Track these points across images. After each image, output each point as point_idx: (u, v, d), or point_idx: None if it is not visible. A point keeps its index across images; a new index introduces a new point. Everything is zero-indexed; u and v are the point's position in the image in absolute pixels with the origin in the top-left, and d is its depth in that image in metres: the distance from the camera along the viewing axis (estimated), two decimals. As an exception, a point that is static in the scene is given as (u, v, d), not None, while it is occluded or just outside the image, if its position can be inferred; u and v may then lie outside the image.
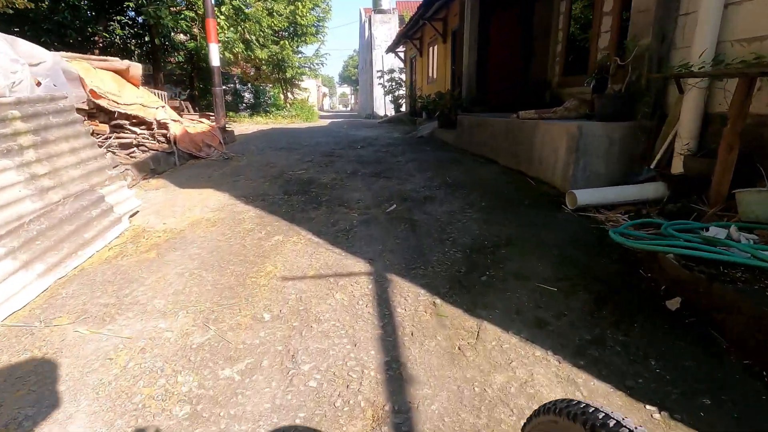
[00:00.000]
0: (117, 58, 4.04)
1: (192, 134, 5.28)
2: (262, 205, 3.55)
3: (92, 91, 3.45)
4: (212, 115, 7.80)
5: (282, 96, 20.09)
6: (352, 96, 76.88)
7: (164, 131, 4.61)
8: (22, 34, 12.52)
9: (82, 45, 13.18)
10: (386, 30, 23.28)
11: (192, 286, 2.23)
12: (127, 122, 3.98)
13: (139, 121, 4.19)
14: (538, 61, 8.09)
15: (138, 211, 3.31)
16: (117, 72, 4.03)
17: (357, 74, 50.86)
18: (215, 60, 6.87)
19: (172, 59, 22.30)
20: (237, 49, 10.43)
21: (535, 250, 2.51)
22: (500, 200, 3.46)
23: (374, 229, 2.98)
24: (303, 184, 4.22)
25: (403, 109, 18.59)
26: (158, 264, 2.49)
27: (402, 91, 18.97)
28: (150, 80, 14.65)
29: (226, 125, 7.68)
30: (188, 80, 20.89)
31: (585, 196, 2.95)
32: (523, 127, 4.14)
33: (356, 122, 17.16)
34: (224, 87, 23.11)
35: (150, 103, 4.38)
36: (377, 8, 23.44)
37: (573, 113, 4.15)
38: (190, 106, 11.64)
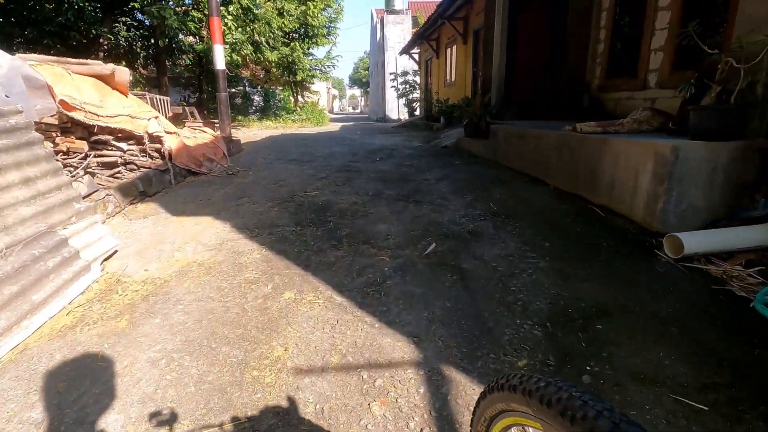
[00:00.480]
0: (99, 62, 3.41)
1: (191, 147, 4.65)
2: (270, 242, 2.88)
3: (63, 102, 2.82)
4: (218, 123, 7.19)
5: (292, 99, 19.53)
6: (362, 98, 76.38)
7: (158, 145, 3.98)
8: (22, 36, 12.11)
9: (86, 47, 12.72)
10: (399, 31, 22.62)
11: (168, 386, 1.56)
12: (111, 137, 3.36)
13: (127, 135, 3.56)
14: (572, 61, 7.34)
15: (116, 251, 2.66)
16: (99, 78, 3.41)
17: (367, 76, 50.30)
18: (220, 63, 6.26)
19: (179, 62, 21.92)
20: (245, 51, 9.85)
21: (647, 328, 1.80)
22: (568, 240, 2.75)
23: (413, 281, 2.29)
24: (318, 210, 3.55)
25: (418, 113, 17.90)
26: (127, 341, 1.83)
27: (416, 94, 18.27)
28: (155, 84, 14.19)
29: (232, 134, 7.07)
30: (197, 83, 20.46)
31: (695, 241, 2.23)
32: (584, 143, 3.42)
33: (369, 127, 16.51)
34: (233, 90, 22.65)
35: (140, 114, 3.75)
36: (390, 9, 22.79)
37: (644, 126, 3.42)
38: (195, 112, 11.10)
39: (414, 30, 23.26)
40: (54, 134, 2.89)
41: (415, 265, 2.49)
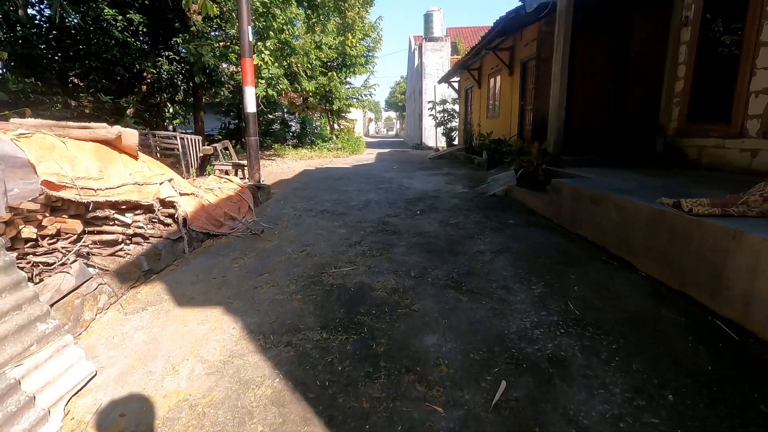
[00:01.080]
0: (104, 124, 2.98)
1: (211, 206, 4.16)
2: (287, 361, 2.24)
3: (47, 183, 2.35)
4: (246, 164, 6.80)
5: (328, 127, 19.41)
6: (398, 121, 76.78)
7: (171, 210, 3.49)
8: (73, 70, 12.51)
9: (129, 82, 13.02)
10: (437, 58, 22.28)
11: None
12: (113, 211, 2.88)
13: (133, 206, 3.08)
14: (642, 100, 6.48)
15: (93, 376, 2.10)
16: (104, 142, 2.97)
17: (404, 101, 50.40)
18: (251, 105, 5.87)
19: (220, 92, 22.45)
20: (281, 86, 9.59)
21: None
22: (699, 386, 1.93)
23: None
24: (349, 301, 2.90)
25: (456, 142, 17.24)
26: None
27: (455, 123, 17.66)
28: (190, 118, 14.27)
29: (261, 179, 6.64)
30: (236, 111, 20.82)
31: None
32: (697, 229, 2.60)
33: (406, 157, 15.98)
34: (271, 116, 22.93)
35: (151, 179, 3.28)
36: (428, 36, 22.54)
37: (782, 208, 2.57)
38: (230, 148, 10.91)
39: (453, 57, 22.87)
40: (40, 216, 2.42)
41: (482, 426, 1.76)
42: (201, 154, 7.20)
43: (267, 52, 9.22)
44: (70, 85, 12.34)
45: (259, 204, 5.80)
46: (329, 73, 16.57)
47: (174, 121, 13.61)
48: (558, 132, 5.81)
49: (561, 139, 5.85)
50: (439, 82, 17.67)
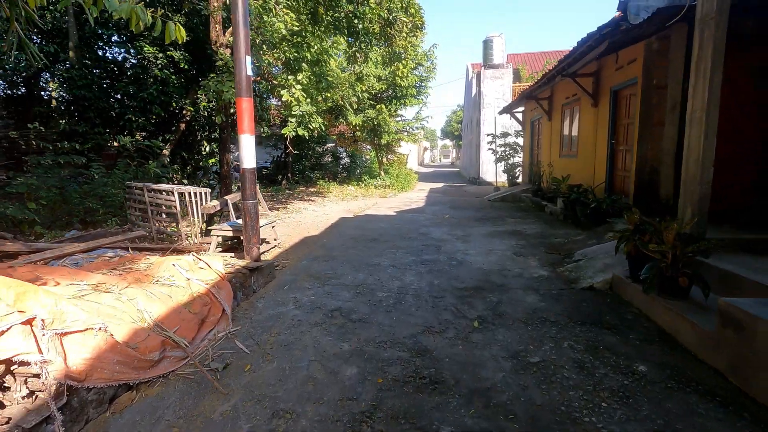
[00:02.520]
0: None
1: (136, 336, 2.58)
2: None
3: None
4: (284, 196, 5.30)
5: (377, 161, 18.07)
6: (453, 150, 74.90)
7: (27, 371, 1.95)
8: (112, 111, 12.17)
9: (167, 121, 12.48)
10: (497, 86, 20.40)
11: None
12: None
13: None
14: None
15: None
16: None
17: (460, 130, 48.65)
18: (247, 159, 4.38)
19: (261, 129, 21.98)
20: (314, 124, 8.23)
21: None
22: None
23: None
24: None
25: (520, 180, 15.05)
26: None
27: (518, 159, 15.52)
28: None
29: (261, 255, 5.09)
30: (284, 143, 20.19)
31: None
32: None
33: (460, 197, 14.03)
34: (321, 149, 22.14)
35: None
36: (488, 63, 20.80)
37: None
38: (260, 198, 9.67)
39: (515, 85, 20.87)
40: None
41: None
42: (202, 214, 5.87)
43: (299, 87, 7.95)
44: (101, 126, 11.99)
45: (250, 295, 4.20)
46: (378, 106, 15.29)
47: (210, 160, 12.83)
48: (702, 201, 3.69)
49: (705, 212, 3.71)
50: (501, 112, 15.74)
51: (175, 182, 11.95)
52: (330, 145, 22.66)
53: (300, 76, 8.03)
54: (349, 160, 21.35)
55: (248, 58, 4.27)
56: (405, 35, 11.39)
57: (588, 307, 3.79)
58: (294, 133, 8.06)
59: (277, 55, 8.19)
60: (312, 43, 8.10)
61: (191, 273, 3.72)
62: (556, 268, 4.98)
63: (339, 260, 5.60)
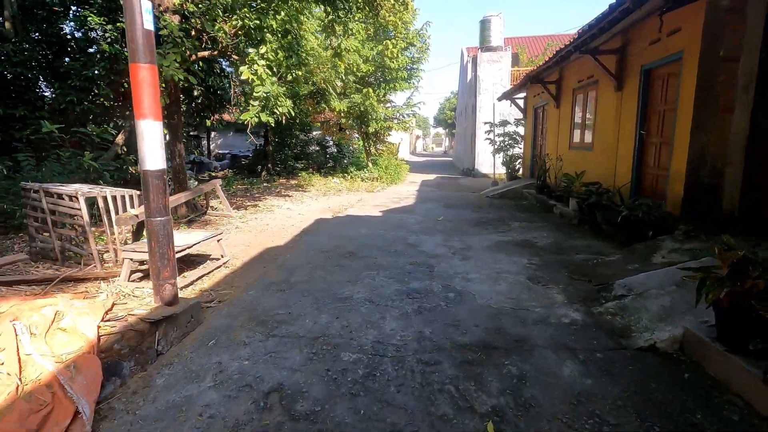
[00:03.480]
0: None
1: None
2: None
3: None
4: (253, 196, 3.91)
5: (365, 152, 16.60)
6: (446, 138, 73.33)
7: None
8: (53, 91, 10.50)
9: (121, 105, 10.86)
10: (495, 71, 18.93)
11: None
12: None
13: None
14: None
15: None
16: None
17: (453, 117, 47.12)
18: (150, 158, 2.95)
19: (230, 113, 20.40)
20: (281, 109, 6.76)
21: None
22: None
23: None
24: None
25: (521, 173, 13.72)
26: None
27: (518, 149, 14.18)
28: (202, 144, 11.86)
29: (176, 297, 3.72)
30: (264, 132, 18.61)
31: None
32: None
33: (455, 192, 12.66)
34: (306, 136, 20.53)
35: None
36: (485, 45, 19.28)
37: None
38: (219, 193, 8.17)
39: (514, 69, 19.42)
40: None
41: None
42: (119, 224, 4.42)
43: (262, 63, 6.46)
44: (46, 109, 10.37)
45: (151, 362, 2.82)
46: (364, 90, 13.77)
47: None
48: None
49: None
50: (500, 98, 14.33)
51: (128, 178, 10.42)
52: (316, 133, 21.08)
53: (263, 49, 6.54)
54: (336, 150, 19.83)
55: (146, 4, 2.81)
56: (393, 5, 9.87)
57: (661, 392, 2.46)
58: (257, 119, 6.59)
59: (235, 22, 6.66)
60: (279, 9, 6.59)
61: (40, 341, 2.33)
62: (591, 306, 3.65)
63: (299, 290, 4.21)
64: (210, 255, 5.39)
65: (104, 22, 9.66)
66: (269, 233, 6.92)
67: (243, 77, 6.56)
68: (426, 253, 5.54)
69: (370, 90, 13.62)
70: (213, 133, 31.80)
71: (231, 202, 10.24)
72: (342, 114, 14.49)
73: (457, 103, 37.09)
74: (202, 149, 29.17)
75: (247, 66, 6.66)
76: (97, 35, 10.14)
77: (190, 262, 5.11)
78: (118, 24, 9.65)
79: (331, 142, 20.52)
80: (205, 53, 7.31)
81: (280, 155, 19.44)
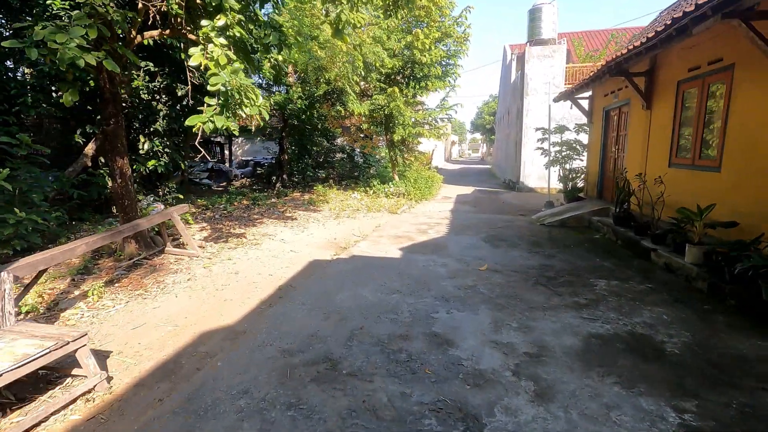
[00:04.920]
0: None
1: None
2: None
3: None
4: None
5: (391, 162, 14.25)
6: (484, 144, 69.74)
7: None
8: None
9: (84, 109, 9.05)
10: (546, 68, 16.14)
11: None
12: None
13: None
14: None
15: None
16: None
17: (492, 122, 44.02)
18: None
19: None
20: (250, 109, 4.51)
21: None
22: None
23: None
24: None
25: (584, 193, 10.92)
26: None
27: (580, 162, 11.41)
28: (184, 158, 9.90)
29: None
30: (279, 138, 16.71)
31: None
32: None
33: (498, 215, 10.06)
34: (331, 143, 18.40)
35: None
36: (534, 38, 16.54)
37: None
38: (181, 231, 6.06)
39: (569, 66, 16.56)
40: None
41: None
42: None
43: (220, 42, 4.28)
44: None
45: None
46: (389, 89, 11.45)
47: (149, 162, 9.32)
48: None
49: None
50: (557, 99, 11.60)
51: (104, 196, 8.58)
52: (340, 139, 18.98)
53: (222, 21, 4.35)
54: (362, 160, 17.62)
55: None
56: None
57: None
58: (211, 125, 4.40)
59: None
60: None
61: None
62: None
63: None
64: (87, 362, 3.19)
65: (68, 5, 7.89)
66: (228, 294, 4.68)
67: (193, 63, 4.39)
68: (463, 366, 3.08)
69: (396, 89, 11.27)
70: (239, 139, 30.59)
71: (216, 228, 8.17)
72: (363, 118, 12.26)
73: (497, 107, 34.14)
74: (217, 155, 27.84)
75: (199, 47, 4.49)
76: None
77: (39, 379, 2.94)
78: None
79: (358, 151, 18.34)
80: (154, 33, 5.22)
81: (299, 164, 17.50)
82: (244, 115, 4.59)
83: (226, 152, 29.26)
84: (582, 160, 11.41)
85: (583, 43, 19.11)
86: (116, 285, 4.86)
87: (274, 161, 20.55)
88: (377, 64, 11.09)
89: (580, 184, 10.97)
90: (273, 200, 12.45)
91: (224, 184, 21.43)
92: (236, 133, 4.75)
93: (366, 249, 6.80)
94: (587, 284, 4.93)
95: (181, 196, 11.84)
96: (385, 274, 5.37)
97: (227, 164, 26.20)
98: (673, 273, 5.26)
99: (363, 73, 10.59)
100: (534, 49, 16.26)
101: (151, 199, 8.31)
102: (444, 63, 12.62)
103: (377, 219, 9.84)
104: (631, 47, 6.36)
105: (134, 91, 8.53)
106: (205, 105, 4.64)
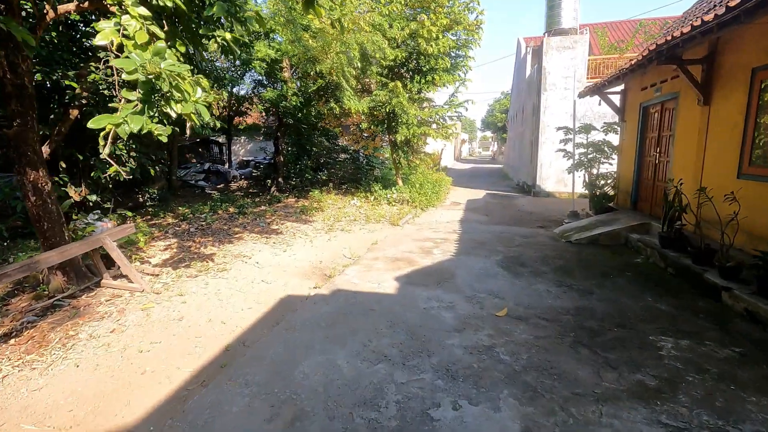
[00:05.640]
0: None
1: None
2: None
3: None
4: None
5: (394, 165, 12.93)
6: (495, 142, 67.83)
7: None
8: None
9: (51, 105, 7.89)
10: (567, 60, 14.66)
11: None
12: None
13: None
14: None
15: None
16: None
17: (504, 120, 42.38)
18: None
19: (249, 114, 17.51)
20: (183, 106, 3.25)
21: None
22: None
23: None
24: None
25: (615, 201, 9.49)
26: None
27: (609, 166, 10.00)
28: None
29: None
30: (274, 138, 15.50)
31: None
32: None
33: (519, 238, 8.70)
34: (332, 143, 17.11)
35: None
36: (554, 28, 15.06)
37: None
38: (118, 260, 4.85)
39: (591, 58, 15.08)
40: None
41: None
42: None
43: (136, 12, 3.03)
44: None
45: None
46: (391, 84, 10.12)
47: (111, 170, 8.13)
48: None
49: None
50: (582, 95, 10.16)
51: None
52: (341, 140, 17.69)
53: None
54: (365, 161, 16.30)
55: None
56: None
57: None
58: (128, 128, 3.15)
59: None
60: None
61: None
62: None
63: None
64: None
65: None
66: (153, 360, 3.43)
67: (100, 41, 3.13)
68: None
69: (399, 84, 9.93)
70: (242, 138, 29.47)
71: (185, 246, 6.96)
72: (363, 117, 10.97)
73: (509, 104, 32.56)
74: (215, 155, 26.76)
75: (113, 20, 3.24)
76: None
77: None
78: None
79: (361, 152, 17.03)
80: (70, 6, 3.98)
81: (297, 166, 16.27)
82: (173, 114, 3.32)
83: (231, 151, 28.15)
84: (611, 164, 9.97)
85: (608, 33, 17.52)
86: (11, 342, 3.65)
87: (266, 164, 19.40)
88: (377, 56, 9.78)
89: (610, 192, 9.53)
90: (263, 208, 11.24)
91: (221, 186, 20.34)
92: (164, 138, 3.47)
93: (355, 278, 5.51)
94: (647, 345, 3.58)
95: (148, 210, 10.70)
96: (372, 323, 4.07)
97: (227, 165, 25.14)
98: (760, 324, 3.88)
99: (359, 64, 9.27)
100: (553, 40, 14.79)
101: (95, 217, 7.10)
102: (453, 55, 11.25)
103: (375, 233, 8.55)
104: (685, 30, 4.95)
105: (92, 85, 7.34)
106: (121, 100, 3.39)
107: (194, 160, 23.40)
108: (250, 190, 15.93)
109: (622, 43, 16.10)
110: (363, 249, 7.20)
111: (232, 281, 5.40)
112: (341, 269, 5.96)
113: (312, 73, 10.07)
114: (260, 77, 13.31)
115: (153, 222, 9.26)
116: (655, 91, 7.68)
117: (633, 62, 6.75)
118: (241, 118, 21.15)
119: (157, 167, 9.64)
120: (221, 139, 26.48)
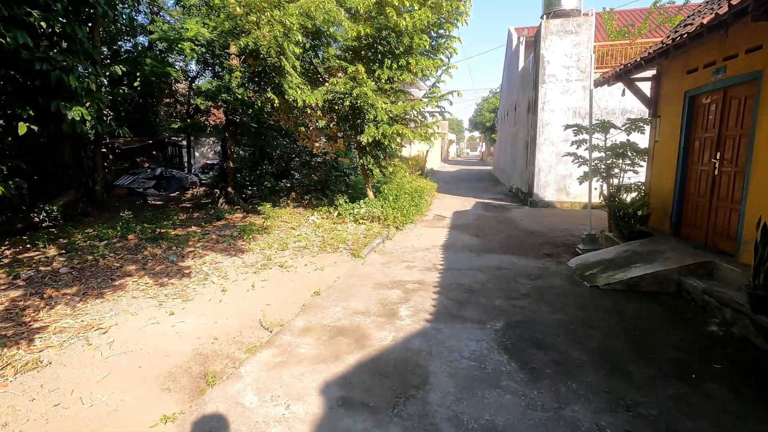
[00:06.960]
0: None
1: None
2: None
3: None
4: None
5: (362, 173, 10.50)
6: (483, 143, 65.80)
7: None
8: None
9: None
10: (569, 46, 12.46)
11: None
12: None
13: None
14: None
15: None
16: None
17: (493, 119, 40.30)
18: None
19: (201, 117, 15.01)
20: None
21: None
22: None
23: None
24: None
25: (647, 223, 7.21)
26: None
27: (637, 176, 7.75)
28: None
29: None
30: (221, 141, 12.97)
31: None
32: None
33: (524, 280, 6.35)
34: (295, 145, 14.34)
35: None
36: (553, 10, 12.85)
37: None
38: None
39: (598, 44, 12.90)
40: None
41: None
42: None
43: None
44: None
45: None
46: (350, 69, 7.72)
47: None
48: None
49: None
50: (598, 83, 7.88)
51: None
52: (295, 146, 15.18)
53: None
54: (330, 167, 13.82)
55: None
56: None
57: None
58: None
59: None
60: None
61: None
62: None
63: None
64: None
65: None
66: None
67: None
68: None
69: (362, 68, 7.54)
70: (209, 139, 26.76)
71: (20, 306, 4.42)
72: (316, 111, 8.58)
73: (499, 102, 30.43)
74: (174, 159, 24.02)
75: None
76: None
77: None
78: None
79: (324, 157, 14.51)
80: None
81: (255, 172, 13.77)
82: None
83: (191, 154, 25.38)
84: (636, 173, 7.71)
85: (616, 17, 15.35)
86: None
87: (216, 171, 16.89)
88: (334, 32, 7.36)
89: (643, 211, 7.26)
90: (193, 229, 8.76)
91: (176, 194, 17.74)
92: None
93: (250, 391, 3.10)
94: None
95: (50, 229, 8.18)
96: None
97: (185, 170, 22.39)
98: None
99: (301, 38, 6.87)
100: (552, 23, 12.56)
101: None
102: (434, 34, 8.90)
103: (325, 271, 6.15)
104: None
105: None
106: None
107: (146, 164, 20.73)
108: (201, 201, 13.43)
109: (632, 27, 13.97)
110: (295, 306, 4.79)
111: (25, 401, 2.94)
112: (238, 363, 3.55)
113: (244, 55, 7.62)
114: (199, 65, 10.79)
115: (24, 254, 6.74)
116: (714, 73, 5.43)
117: (691, 30, 4.45)
118: (204, 117, 18.59)
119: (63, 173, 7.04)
120: (181, 140, 23.79)
